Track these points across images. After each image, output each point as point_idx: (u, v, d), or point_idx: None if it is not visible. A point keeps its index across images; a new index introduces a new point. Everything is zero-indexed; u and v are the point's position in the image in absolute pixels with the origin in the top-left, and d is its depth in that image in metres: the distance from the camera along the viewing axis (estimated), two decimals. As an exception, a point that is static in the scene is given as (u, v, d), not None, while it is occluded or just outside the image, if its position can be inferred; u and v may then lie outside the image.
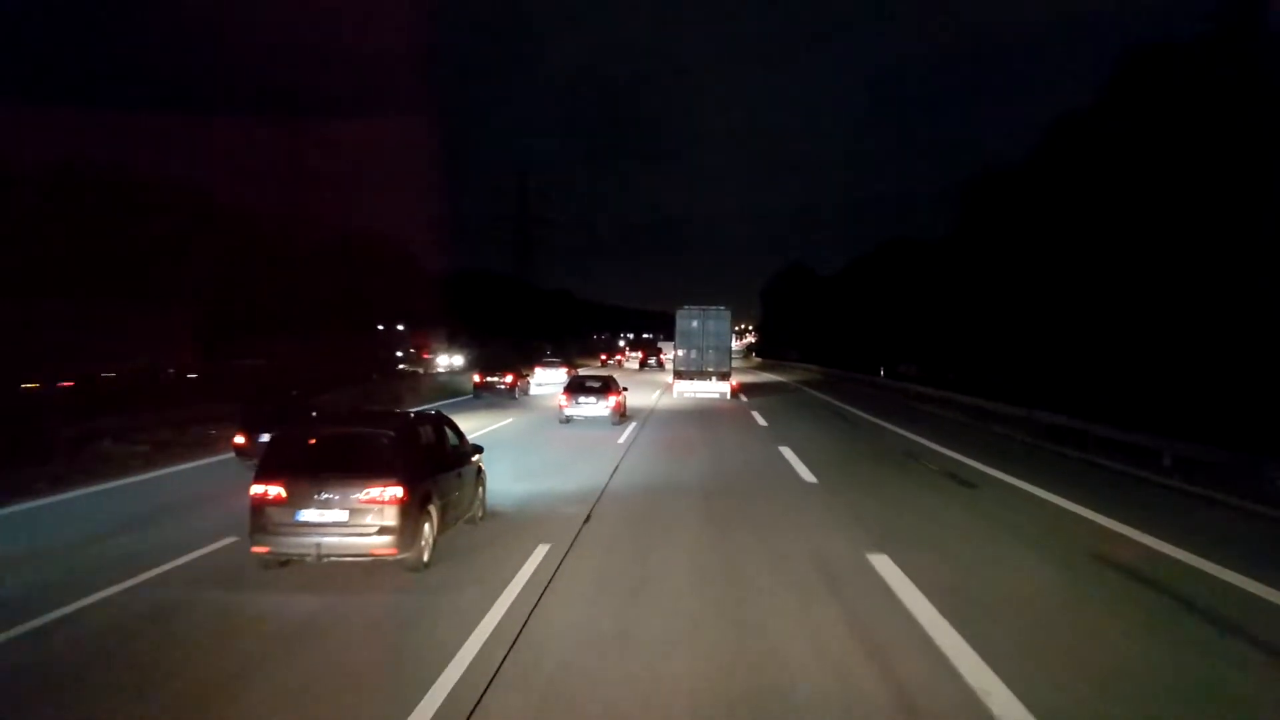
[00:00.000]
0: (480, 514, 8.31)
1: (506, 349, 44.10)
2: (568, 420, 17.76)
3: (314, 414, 11.42)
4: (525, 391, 26.24)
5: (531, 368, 30.91)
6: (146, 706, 4.19)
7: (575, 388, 18.63)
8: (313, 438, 6.84)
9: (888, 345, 42.13)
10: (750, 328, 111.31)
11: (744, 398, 26.21)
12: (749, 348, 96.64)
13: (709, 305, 26.12)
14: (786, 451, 13.70)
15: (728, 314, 26.15)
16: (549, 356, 39.64)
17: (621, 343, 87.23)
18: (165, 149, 34.70)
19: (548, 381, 28.62)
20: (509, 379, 25.18)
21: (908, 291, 41.27)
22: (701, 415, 20.54)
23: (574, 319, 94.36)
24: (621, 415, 18.45)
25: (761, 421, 19.04)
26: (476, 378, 25.70)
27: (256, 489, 6.10)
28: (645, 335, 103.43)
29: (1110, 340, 22.00)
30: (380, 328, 47.54)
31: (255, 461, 11.01)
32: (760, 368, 60.61)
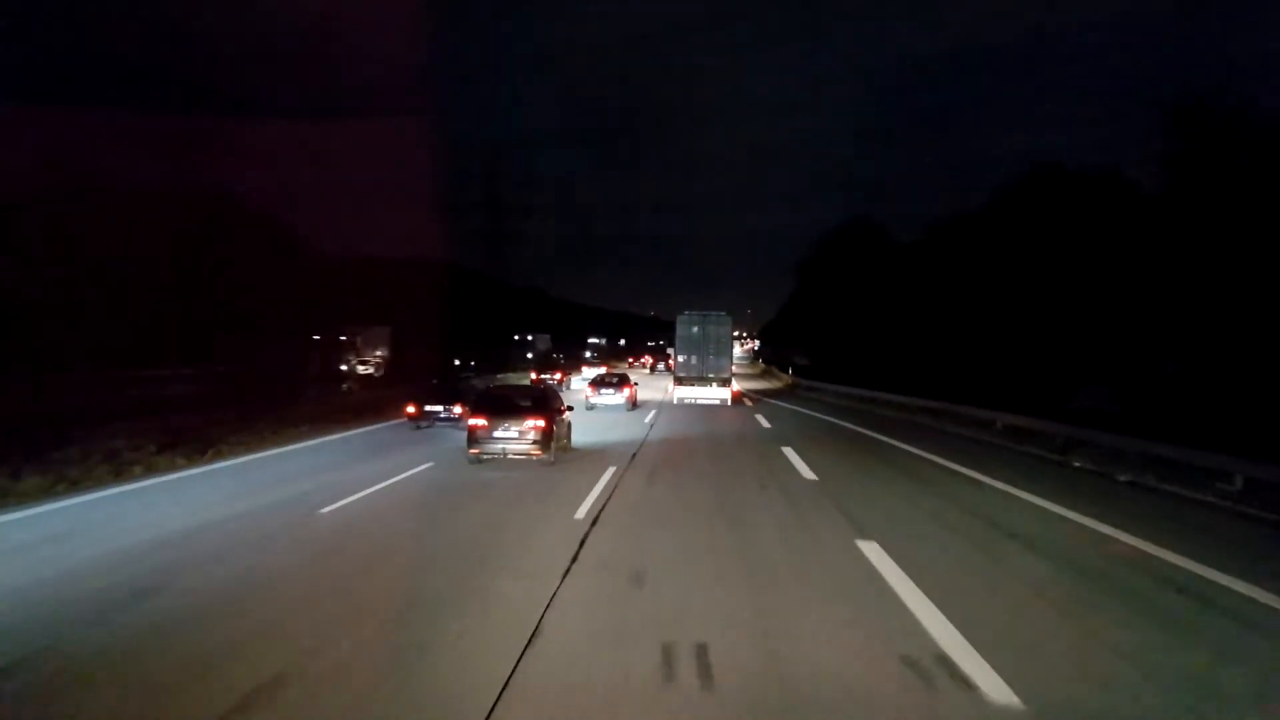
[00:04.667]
0: (568, 447, 13.92)
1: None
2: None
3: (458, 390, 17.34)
4: (568, 387, 32.15)
5: (578, 367, 38.15)
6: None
7: (597, 382, 24.42)
8: (498, 397, 12.61)
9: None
10: (747, 334, 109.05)
11: (765, 423, 20.73)
12: (754, 354, 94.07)
13: (709, 310, 26.61)
14: (872, 550, 7.38)
15: (728, 319, 26.70)
16: (591, 357, 50.47)
17: (586, 350, 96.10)
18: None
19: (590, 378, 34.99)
20: (558, 376, 31.78)
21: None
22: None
23: (546, 320, 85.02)
24: (634, 404, 24.00)
25: (809, 474, 12.00)
26: (533, 375, 31.86)
27: (472, 421, 11.79)
28: (597, 340, 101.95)
29: None
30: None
31: (419, 424, 16.93)
32: (764, 375, 54.33)
